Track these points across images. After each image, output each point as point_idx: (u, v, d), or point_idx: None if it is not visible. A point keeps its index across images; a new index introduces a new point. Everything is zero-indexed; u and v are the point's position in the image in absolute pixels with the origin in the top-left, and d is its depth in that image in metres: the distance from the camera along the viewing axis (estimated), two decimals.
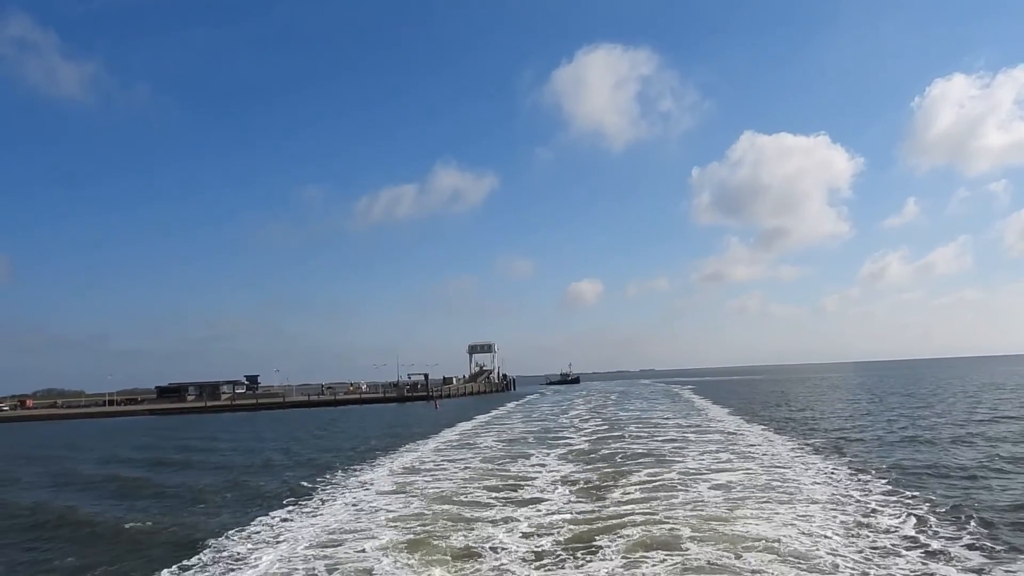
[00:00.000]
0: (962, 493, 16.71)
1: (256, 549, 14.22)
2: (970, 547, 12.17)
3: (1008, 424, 32.31)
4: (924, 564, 11.36)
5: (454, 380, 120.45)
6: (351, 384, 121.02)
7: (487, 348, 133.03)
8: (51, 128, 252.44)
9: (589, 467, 23.53)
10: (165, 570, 12.93)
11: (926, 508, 15.08)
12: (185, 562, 13.36)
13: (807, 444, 26.83)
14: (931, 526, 13.63)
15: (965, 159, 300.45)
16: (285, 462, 30.04)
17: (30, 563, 14.74)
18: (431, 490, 20.17)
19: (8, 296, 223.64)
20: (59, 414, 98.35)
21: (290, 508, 18.61)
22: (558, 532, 14.17)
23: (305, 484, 22.55)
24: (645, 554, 12.14)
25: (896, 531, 13.31)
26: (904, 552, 11.98)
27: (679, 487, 18.52)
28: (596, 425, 41.34)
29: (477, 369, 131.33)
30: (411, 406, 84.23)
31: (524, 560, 12.28)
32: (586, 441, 32.31)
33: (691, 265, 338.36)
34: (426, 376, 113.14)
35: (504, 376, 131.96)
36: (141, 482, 26.25)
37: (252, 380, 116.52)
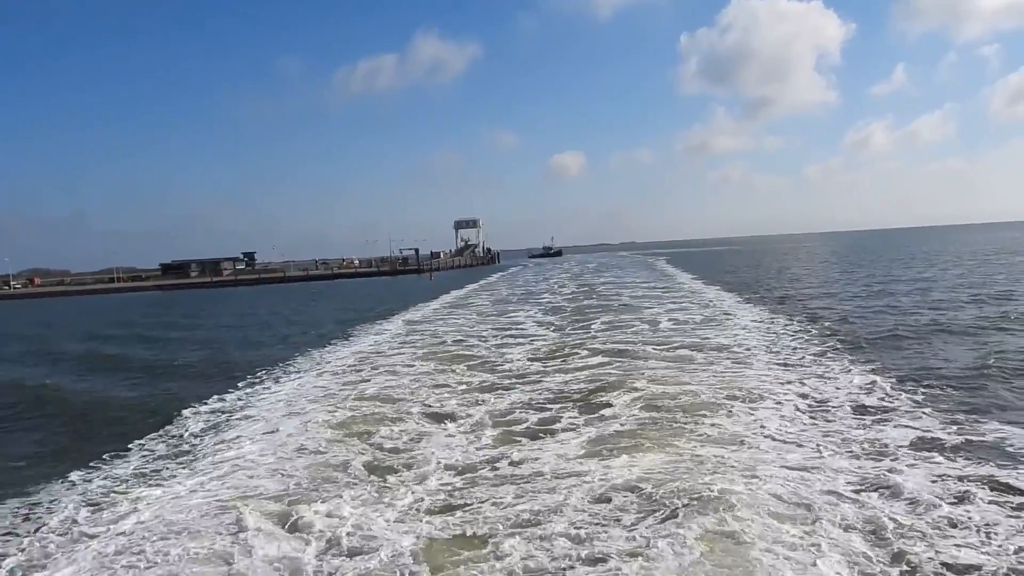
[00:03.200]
0: (908, 356, 16.49)
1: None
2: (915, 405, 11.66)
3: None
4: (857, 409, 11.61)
5: (441, 255, 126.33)
6: (344, 260, 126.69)
7: (472, 223, 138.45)
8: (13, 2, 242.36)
9: (564, 315, 29.58)
10: (135, 442, 12.35)
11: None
12: (153, 434, 12.92)
13: (757, 300, 32.80)
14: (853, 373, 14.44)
15: (957, 22, 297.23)
16: (321, 321, 35.86)
17: None
18: (443, 333, 26.05)
19: None
20: (67, 291, 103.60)
21: (331, 348, 24.34)
22: (545, 351, 20.03)
23: (345, 327, 28.30)
24: (605, 360, 17.90)
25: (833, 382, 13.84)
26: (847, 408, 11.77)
27: (637, 324, 24.44)
28: (573, 288, 47.63)
29: (463, 244, 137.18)
30: (404, 279, 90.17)
31: (520, 367, 18.04)
32: (562, 299, 38.50)
33: (675, 136, 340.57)
34: (416, 251, 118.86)
35: (489, 250, 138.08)
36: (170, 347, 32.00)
37: (249, 257, 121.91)
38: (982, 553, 6.54)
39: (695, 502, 7.77)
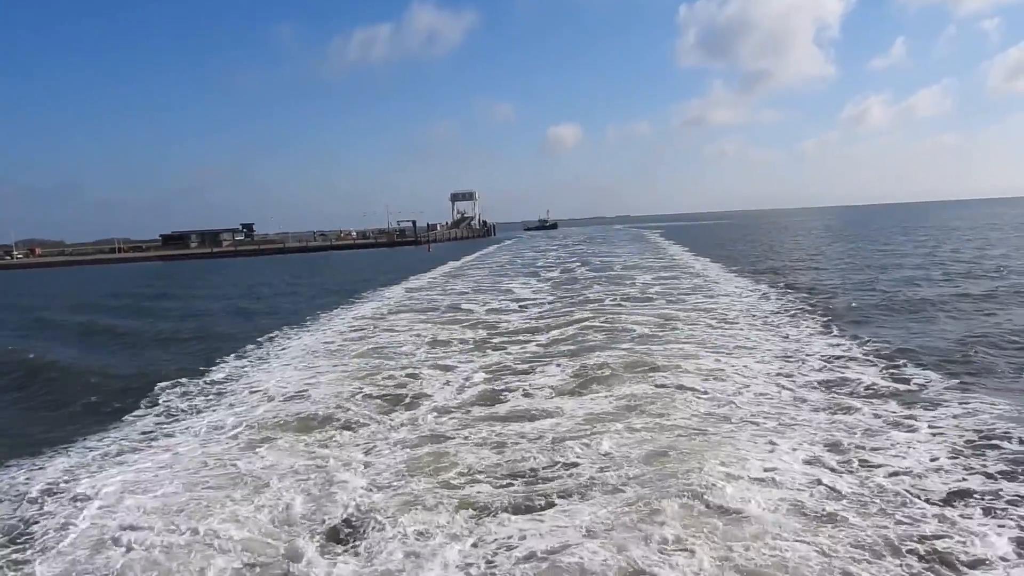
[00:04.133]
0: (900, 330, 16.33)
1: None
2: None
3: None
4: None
5: (438, 227, 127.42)
6: (341, 232, 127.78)
7: (468, 196, 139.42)
8: None
9: (557, 283, 31.12)
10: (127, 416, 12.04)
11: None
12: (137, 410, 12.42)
13: (745, 272, 34.35)
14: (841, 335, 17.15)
15: None
16: (324, 289, 37.30)
17: None
18: (442, 298, 27.55)
19: None
20: (68, 261, 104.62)
21: (336, 312, 25.79)
22: (537, 314, 21.55)
23: (346, 297, 29.74)
24: (593, 321, 19.39)
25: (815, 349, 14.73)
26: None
27: (627, 290, 25.94)
28: (566, 259, 49.17)
29: (459, 216, 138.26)
30: (401, 250, 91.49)
31: (513, 327, 19.52)
32: (556, 270, 40.00)
33: (672, 109, 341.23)
34: (414, 223, 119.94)
35: (484, 223, 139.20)
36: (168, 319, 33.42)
37: (248, 228, 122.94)
38: (911, 469, 8.12)
39: (670, 457, 8.59)
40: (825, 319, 17.88)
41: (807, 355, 13.83)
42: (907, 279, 26.73)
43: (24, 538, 7.17)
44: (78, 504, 7.95)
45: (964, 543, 6.21)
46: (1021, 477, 7.52)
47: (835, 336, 15.70)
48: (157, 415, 12.02)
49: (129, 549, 6.75)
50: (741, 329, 17.14)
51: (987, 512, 6.77)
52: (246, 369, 15.60)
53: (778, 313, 19.45)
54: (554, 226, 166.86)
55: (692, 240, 71.65)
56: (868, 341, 14.86)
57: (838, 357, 13.49)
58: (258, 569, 6.35)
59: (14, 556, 6.81)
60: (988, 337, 14.82)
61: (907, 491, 7.26)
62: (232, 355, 17.23)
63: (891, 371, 12.20)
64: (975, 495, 7.13)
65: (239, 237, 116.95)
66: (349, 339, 18.78)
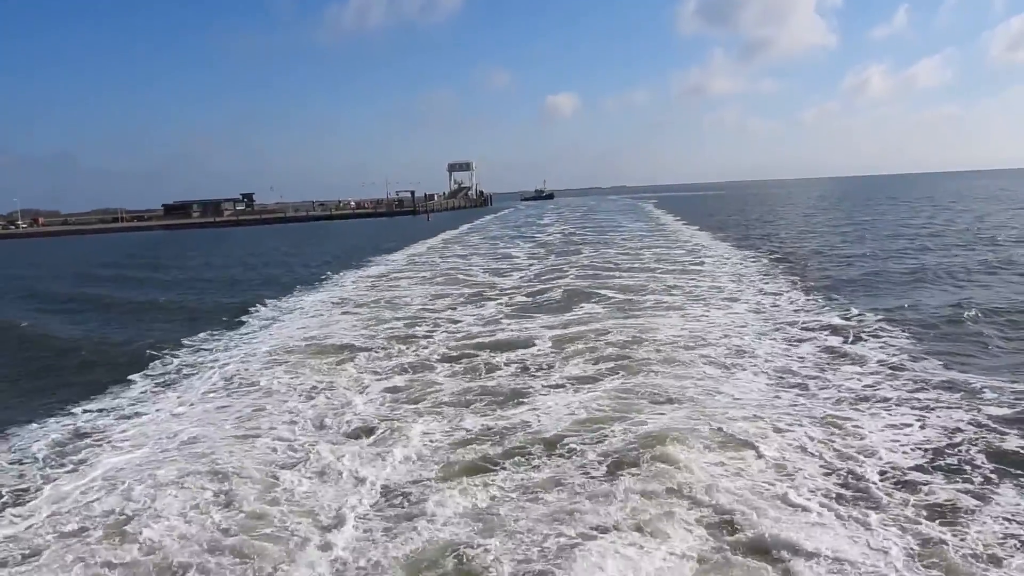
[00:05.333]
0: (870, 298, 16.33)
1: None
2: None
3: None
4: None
5: (435, 197, 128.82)
6: (340, 201, 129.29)
7: (465, 166, 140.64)
8: None
9: (551, 248, 33.26)
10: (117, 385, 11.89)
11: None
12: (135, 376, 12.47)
13: (735, 239, 36.35)
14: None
15: None
16: (330, 255, 39.33)
17: None
18: (442, 262, 29.68)
19: None
20: (72, 230, 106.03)
21: (344, 274, 27.88)
22: (531, 276, 23.67)
23: (352, 262, 31.80)
24: (582, 280, 21.48)
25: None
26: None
27: (616, 254, 28.05)
28: (560, 228, 51.23)
29: (456, 186, 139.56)
30: (400, 220, 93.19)
31: (509, 287, 21.61)
32: (549, 237, 42.11)
33: (671, 78, 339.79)
34: (412, 193, 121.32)
35: (481, 193, 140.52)
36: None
37: (248, 198, 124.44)
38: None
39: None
40: (807, 284, 18.48)
41: (783, 317, 14.39)
42: (898, 250, 26.43)
43: (34, 494, 7.35)
44: (93, 455, 8.42)
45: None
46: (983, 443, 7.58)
47: (813, 300, 16.12)
48: (179, 367, 13.49)
49: (135, 493, 7.18)
50: (720, 288, 18.44)
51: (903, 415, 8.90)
52: (274, 315, 17.83)
53: (764, 279, 19.75)
54: (550, 196, 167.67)
55: (686, 211, 72.91)
56: (847, 304, 15.37)
57: (816, 322, 13.73)
58: (288, 462, 7.91)
59: (25, 512, 6.95)
60: (968, 306, 14.63)
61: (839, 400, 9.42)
62: (262, 305, 19.42)
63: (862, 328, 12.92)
64: (882, 399, 9.11)
65: (240, 207, 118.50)
66: (360, 293, 21.03)
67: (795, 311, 15.06)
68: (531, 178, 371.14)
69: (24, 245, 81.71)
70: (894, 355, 11.06)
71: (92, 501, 7.10)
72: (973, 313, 13.91)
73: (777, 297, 16.93)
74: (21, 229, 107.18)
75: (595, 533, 5.92)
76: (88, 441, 8.99)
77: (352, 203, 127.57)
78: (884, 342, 11.92)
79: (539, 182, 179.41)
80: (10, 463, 8.39)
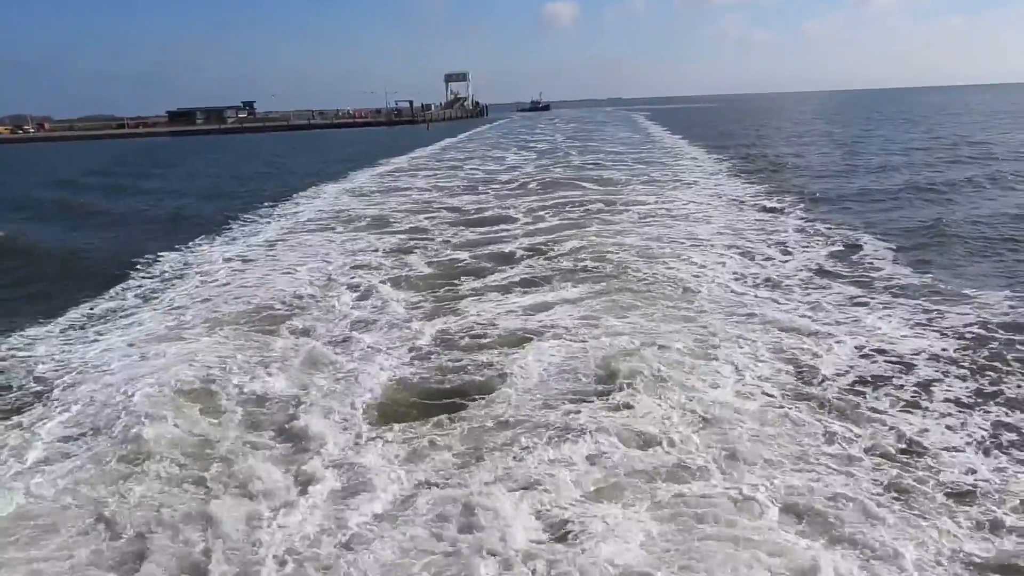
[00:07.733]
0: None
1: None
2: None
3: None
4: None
5: (432, 107, 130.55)
6: (339, 111, 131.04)
7: (462, 77, 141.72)
8: None
9: (543, 152, 37.88)
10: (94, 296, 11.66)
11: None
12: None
13: (718, 150, 40.54)
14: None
15: None
16: (340, 158, 43.58)
17: None
18: (443, 163, 34.21)
19: None
20: (79, 135, 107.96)
21: (357, 172, 32.32)
22: (522, 178, 28.20)
23: (365, 163, 36.14)
24: (570, 179, 26.08)
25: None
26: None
27: (600, 159, 32.54)
28: (554, 137, 55.45)
29: (452, 97, 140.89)
30: (400, 129, 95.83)
31: (501, 187, 26.21)
32: (543, 144, 46.54)
33: None
34: (411, 103, 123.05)
35: (478, 103, 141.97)
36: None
37: (249, 105, 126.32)
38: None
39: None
40: (791, 198, 18.55)
41: (761, 229, 14.64)
42: (889, 164, 26.18)
43: (29, 406, 7.25)
44: (87, 365, 8.40)
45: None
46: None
47: (799, 217, 15.91)
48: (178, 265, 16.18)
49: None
50: (700, 205, 18.38)
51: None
52: (304, 196, 22.61)
53: (751, 196, 19.49)
54: (547, 107, 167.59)
55: (677, 123, 74.17)
56: (827, 216, 15.83)
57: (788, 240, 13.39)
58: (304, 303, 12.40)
59: (23, 421, 6.86)
60: (950, 221, 14.66)
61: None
62: (261, 208, 24.11)
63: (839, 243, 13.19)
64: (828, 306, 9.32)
65: (242, 114, 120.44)
66: (380, 187, 25.82)
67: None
68: (527, 90, 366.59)
69: (30, 150, 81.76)
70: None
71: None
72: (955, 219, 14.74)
73: (770, 222, 15.58)
74: (30, 134, 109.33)
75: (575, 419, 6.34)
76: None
77: (351, 111, 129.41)
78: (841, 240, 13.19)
79: (535, 94, 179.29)
80: None
